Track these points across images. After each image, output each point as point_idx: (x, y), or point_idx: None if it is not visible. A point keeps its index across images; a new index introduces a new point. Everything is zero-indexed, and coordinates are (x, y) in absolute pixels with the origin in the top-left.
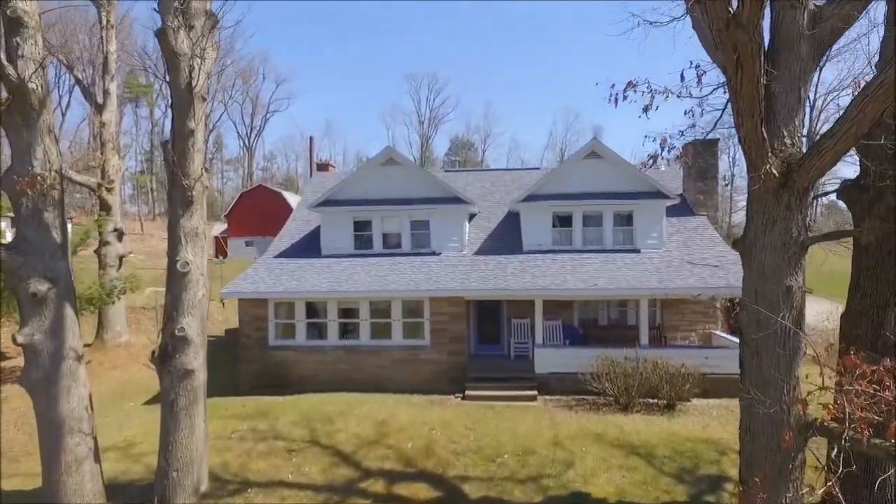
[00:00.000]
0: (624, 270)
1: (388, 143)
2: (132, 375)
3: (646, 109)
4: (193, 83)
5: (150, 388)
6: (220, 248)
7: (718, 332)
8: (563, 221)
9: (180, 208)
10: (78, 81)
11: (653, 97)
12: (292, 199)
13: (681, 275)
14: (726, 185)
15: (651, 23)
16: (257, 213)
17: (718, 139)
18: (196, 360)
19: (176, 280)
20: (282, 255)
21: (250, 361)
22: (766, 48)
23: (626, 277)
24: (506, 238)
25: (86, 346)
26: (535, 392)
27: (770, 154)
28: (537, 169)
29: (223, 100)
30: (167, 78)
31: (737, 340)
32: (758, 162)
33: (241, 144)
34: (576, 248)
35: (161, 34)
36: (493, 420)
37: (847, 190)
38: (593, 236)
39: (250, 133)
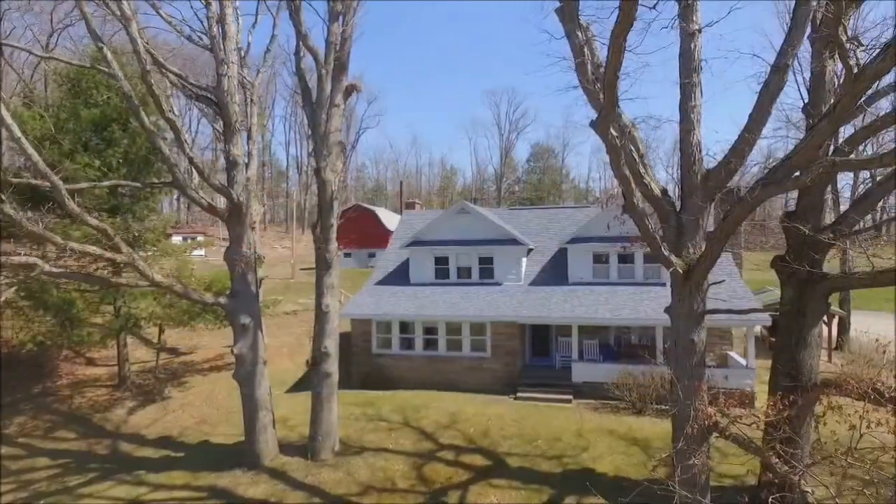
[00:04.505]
0: (647, 302)
1: (470, 152)
2: (272, 370)
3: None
4: (333, 197)
5: (285, 380)
6: None
7: (733, 354)
8: (602, 259)
9: (323, 270)
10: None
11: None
12: (384, 215)
13: None
14: None
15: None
16: (354, 228)
17: None
18: (332, 366)
19: (320, 317)
20: (381, 282)
21: (359, 364)
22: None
23: (645, 309)
24: (555, 271)
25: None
26: (570, 396)
27: (678, 260)
28: (588, 206)
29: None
30: (318, 195)
31: (744, 362)
32: (667, 266)
33: None
34: (612, 282)
35: (316, 172)
36: (535, 415)
37: (775, 262)
38: (627, 272)
39: (346, 150)
